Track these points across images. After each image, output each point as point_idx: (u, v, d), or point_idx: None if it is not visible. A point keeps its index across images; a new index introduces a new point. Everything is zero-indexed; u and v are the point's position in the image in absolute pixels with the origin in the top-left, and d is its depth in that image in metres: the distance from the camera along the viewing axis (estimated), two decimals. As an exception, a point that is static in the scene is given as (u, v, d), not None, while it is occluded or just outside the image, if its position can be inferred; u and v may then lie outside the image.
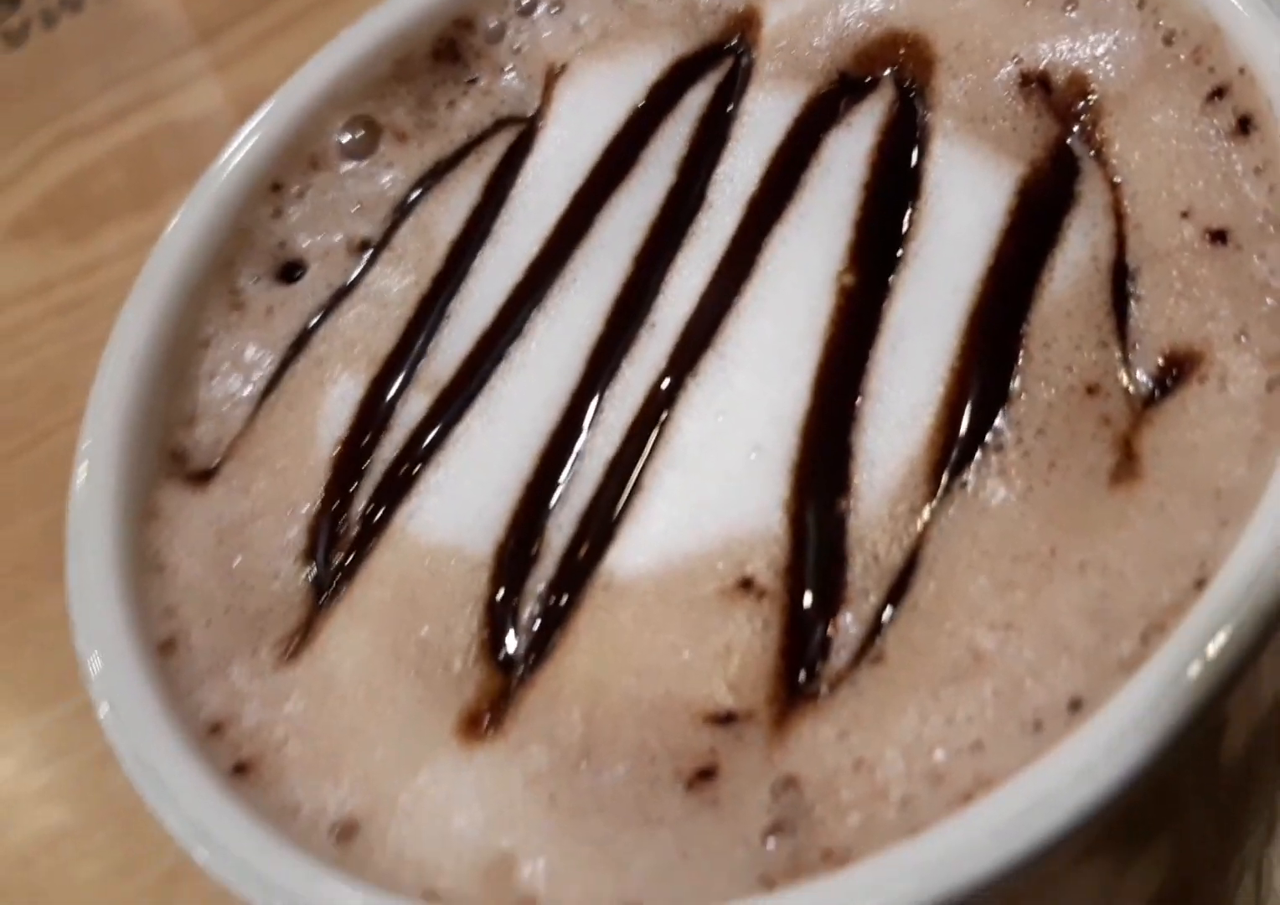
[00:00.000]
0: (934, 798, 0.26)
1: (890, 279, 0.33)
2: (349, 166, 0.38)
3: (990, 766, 0.26)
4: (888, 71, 0.36)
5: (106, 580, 0.32)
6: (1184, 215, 0.31)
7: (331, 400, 0.35)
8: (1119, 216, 0.32)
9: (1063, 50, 0.34)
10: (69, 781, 0.68)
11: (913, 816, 0.26)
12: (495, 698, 0.30)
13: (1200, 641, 0.25)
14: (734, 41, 0.38)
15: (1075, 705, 0.26)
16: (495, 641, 0.31)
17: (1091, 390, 0.30)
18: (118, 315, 0.86)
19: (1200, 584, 0.26)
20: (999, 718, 0.26)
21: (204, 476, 0.35)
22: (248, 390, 0.36)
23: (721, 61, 0.38)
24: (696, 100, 0.37)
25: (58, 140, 0.95)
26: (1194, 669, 0.25)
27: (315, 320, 0.37)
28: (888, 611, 0.28)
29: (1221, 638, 0.24)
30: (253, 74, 0.94)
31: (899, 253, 0.33)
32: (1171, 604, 0.26)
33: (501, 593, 0.31)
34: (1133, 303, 0.31)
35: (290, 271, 0.37)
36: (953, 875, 0.24)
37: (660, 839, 0.27)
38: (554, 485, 0.32)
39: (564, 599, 0.30)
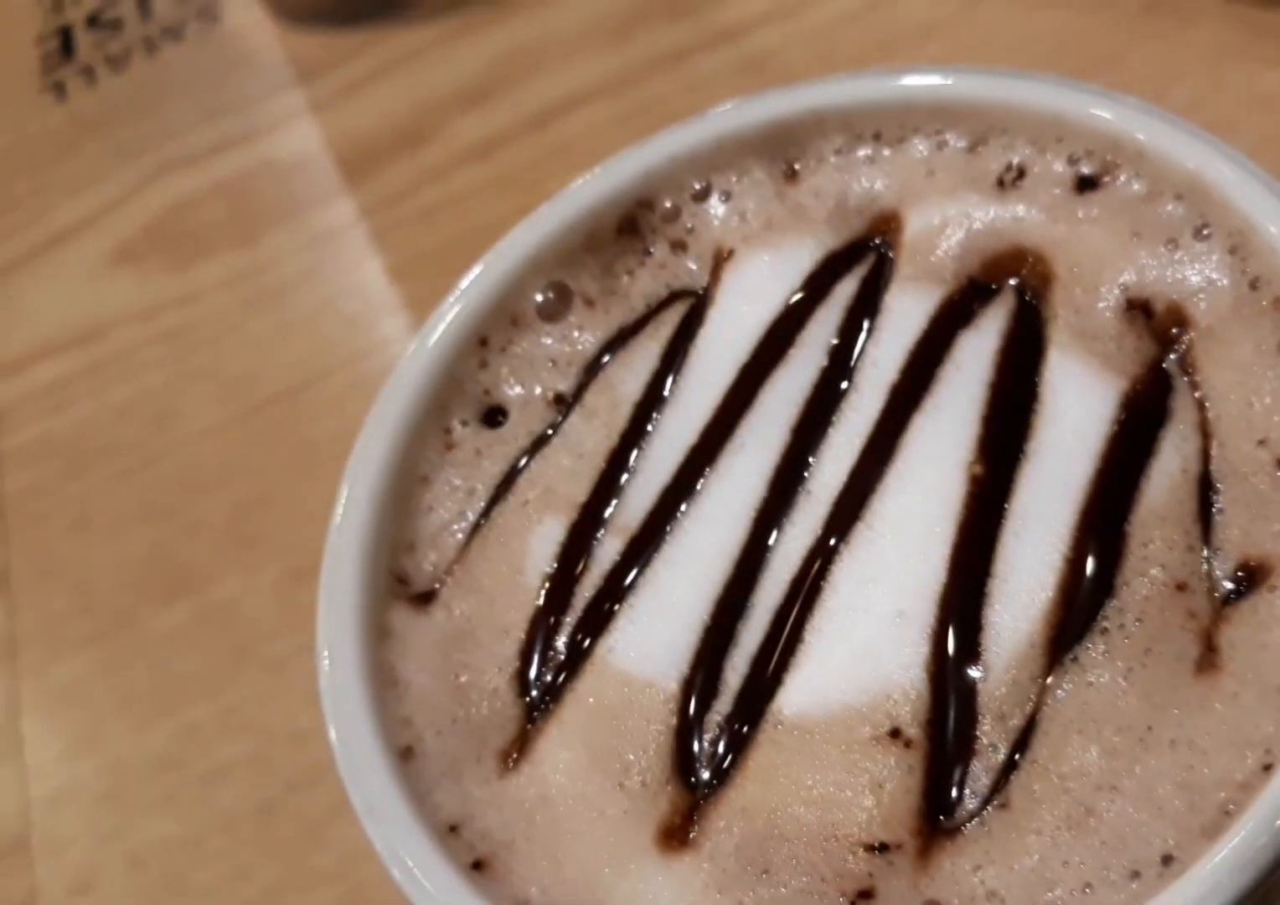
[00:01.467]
0: None
1: (1013, 471, 0.40)
2: (545, 326, 0.45)
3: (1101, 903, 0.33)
4: (1012, 282, 0.43)
5: (354, 693, 0.38)
6: (1260, 442, 0.38)
7: (537, 538, 0.42)
8: (1205, 434, 0.39)
9: (1164, 282, 0.41)
10: (179, 794, 0.74)
11: None
12: (687, 813, 0.37)
13: (1270, 818, 0.32)
14: (878, 240, 0.45)
15: (1167, 860, 0.33)
16: (684, 764, 0.37)
17: (1180, 587, 0.37)
18: (216, 346, 0.92)
19: (1268, 768, 0.33)
20: (1105, 865, 0.33)
21: (425, 598, 0.41)
22: (461, 523, 0.43)
23: (867, 257, 0.45)
24: (845, 291, 0.44)
25: (160, 169, 1.01)
26: (1263, 840, 0.32)
27: (519, 463, 0.44)
28: (1012, 764, 0.35)
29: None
30: (348, 118, 0.99)
31: (1021, 448, 0.40)
32: (1243, 782, 0.33)
33: (688, 722, 0.38)
34: (1215, 513, 0.38)
35: (494, 417, 0.44)
36: None
37: None
38: (730, 630, 0.39)
39: (741, 731, 0.37)
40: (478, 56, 0.99)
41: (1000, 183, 0.45)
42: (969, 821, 0.35)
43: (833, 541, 0.40)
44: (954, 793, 0.36)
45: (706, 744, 0.38)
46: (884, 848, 0.35)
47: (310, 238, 0.93)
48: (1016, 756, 0.36)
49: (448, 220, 0.91)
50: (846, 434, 0.42)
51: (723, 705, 0.38)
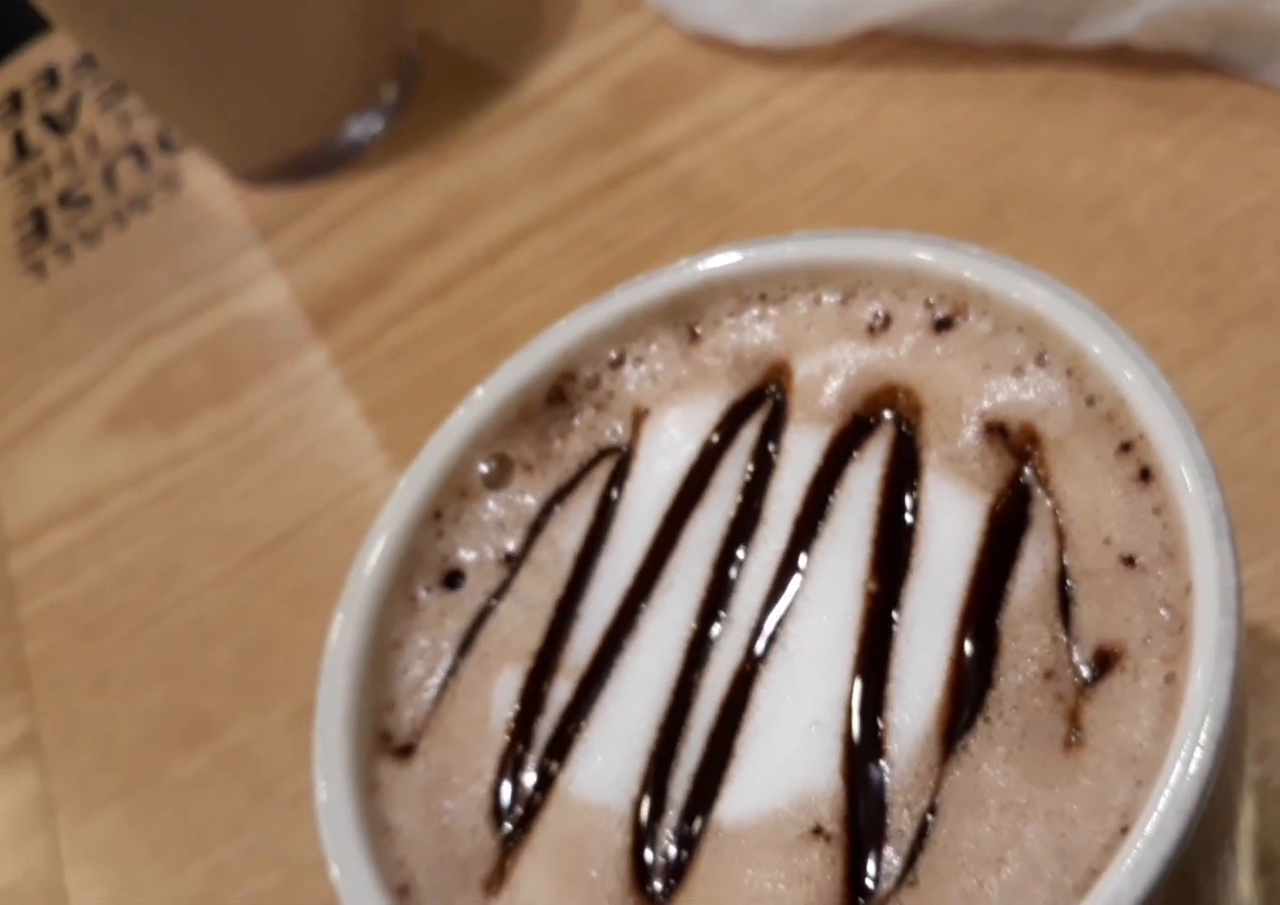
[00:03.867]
0: None
1: (901, 586, 0.46)
2: (490, 494, 0.52)
3: None
4: (889, 415, 0.50)
5: (351, 841, 0.45)
6: (1105, 541, 0.45)
7: (498, 687, 0.48)
8: (1060, 537, 0.46)
9: (1015, 405, 0.48)
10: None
11: None
12: None
13: (1127, 874, 0.38)
14: (773, 388, 0.52)
15: None
16: (640, 876, 0.44)
17: (1048, 675, 0.43)
18: (209, 502, 0.99)
19: (1124, 830, 0.39)
20: None
21: (407, 751, 0.48)
22: (432, 679, 0.49)
23: (765, 404, 0.52)
24: (749, 436, 0.51)
25: (139, 336, 1.09)
26: (1124, 891, 0.38)
27: (478, 620, 0.50)
28: (919, 847, 0.42)
29: (1140, 875, 0.38)
30: (311, 270, 1.08)
31: (907, 564, 0.46)
32: (1106, 845, 0.40)
33: (641, 839, 0.44)
34: (1072, 607, 0.44)
35: (454, 580, 0.51)
36: None
37: None
38: (671, 751, 0.46)
39: (687, 842, 0.44)
40: (424, 202, 1.07)
41: (870, 329, 0.52)
42: (885, 902, 0.41)
43: (754, 664, 0.46)
44: (870, 878, 0.42)
45: (659, 857, 0.44)
46: None
47: (287, 388, 1.01)
48: (922, 839, 0.42)
49: (414, 359, 0.99)
50: (759, 564, 0.49)
51: (670, 820, 0.45)
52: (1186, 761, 0.39)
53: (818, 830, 0.43)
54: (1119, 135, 0.94)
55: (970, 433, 0.49)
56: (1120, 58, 0.93)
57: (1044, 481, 0.47)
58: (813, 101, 1.01)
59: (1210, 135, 0.89)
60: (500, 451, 0.53)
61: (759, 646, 0.47)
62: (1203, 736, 0.40)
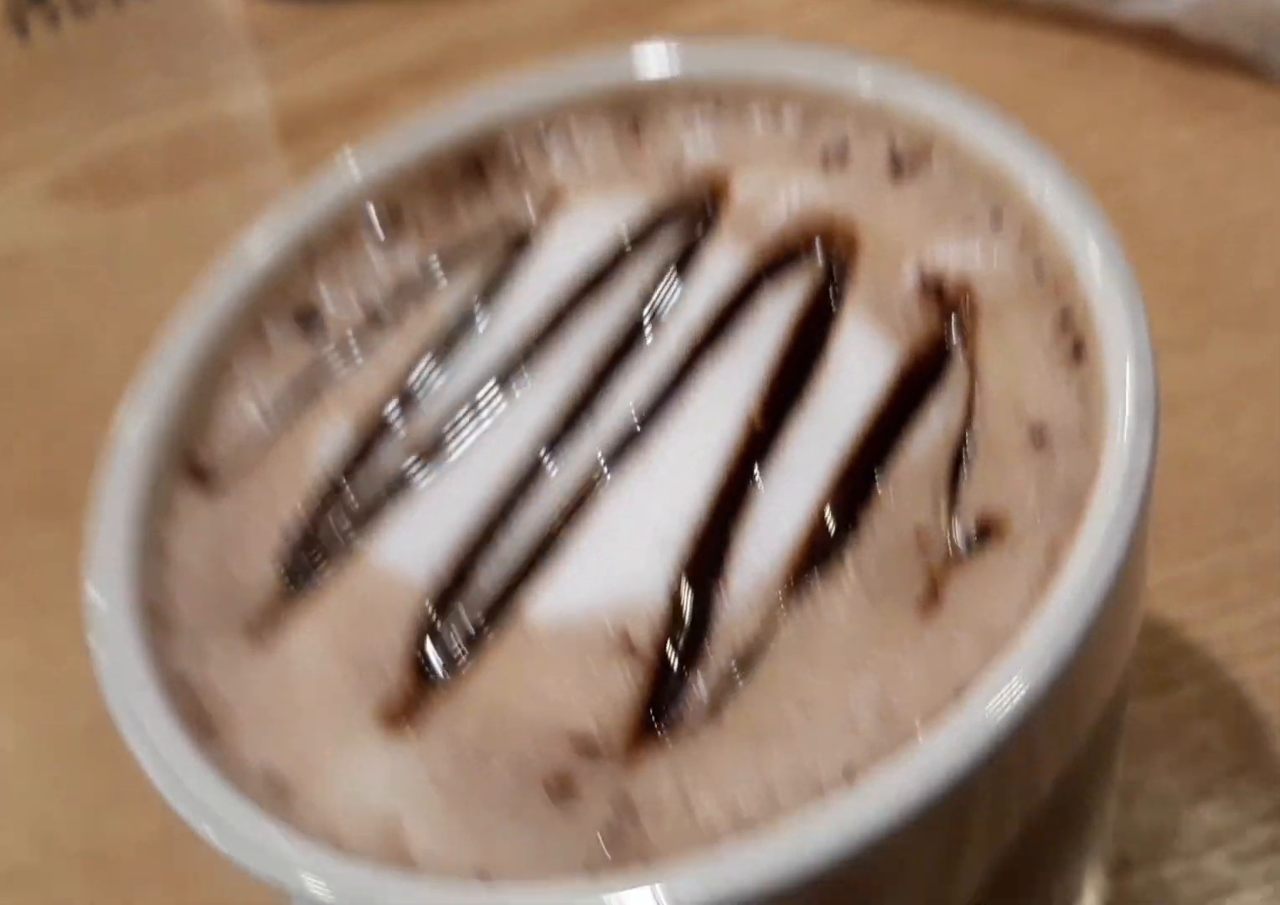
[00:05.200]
0: (733, 827, 0.34)
1: (786, 423, 0.41)
2: (374, 246, 0.46)
3: (781, 810, 0.34)
4: (821, 251, 0.44)
5: (118, 558, 0.39)
6: (1018, 417, 0.40)
7: (327, 442, 0.43)
8: (970, 406, 0.40)
9: (958, 265, 0.43)
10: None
11: (714, 840, 0.34)
12: (415, 701, 0.38)
13: (951, 744, 0.32)
14: (705, 202, 0.46)
15: (849, 773, 0.34)
16: (423, 657, 0.38)
17: (921, 538, 0.38)
18: (130, 284, 0.92)
19: (959, 693, 0.34)
20: (794, 775, 0.34)
21: (208, 483, 0.42)
22: (257, 418, 0.44)
23: (692, 216, 0.46)
24: (666, 245, 0.45)
25: (109, 115, 1.02)
26: (940, 762, 0.32)
27: (322, 368, 0.44)
28: (732, 682, 0.36)
29: (958, 751, 0.32)
30: (299, 86, 1.01)
31: (799, 403, 0.41)
32: (934, 712, 0.34)
33: (432, 619, 0.39)
34: (964, 476, 0.39)
35: (310, 322, 0.45)
36: (732, 882, 0.32)
37: (518, 828, 0.36)
38: (490, 539, 0.40)
39: (482, 631, 0.38)
40: (431, 40, 1.01)
41: (825, 160, 0.46)
42: (681, 731, 0.36)
43: (607, 469, 0.41)
44: (674, 705, 0.36)
45: (449, 641, 0.39)
46: (594, 746, 0.36)
47: (242, 194, 0.95)
48: (737, 675, 0.36)
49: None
50: (643, 375, 0.43)
51: (471, 606, 0.39)
52: (1046, 645, 0.34)
53: (629, 646, 0.38)
54: (1143, 117, 0.89)
55: (903, 284, 0.43)
56: (1161, 41, 0.88)
57: (969, 346, 0.42)
58: (842, 22, 0.95)
59: (1238, 135, 0.84)
60: (396, 203, 0.47)
61: (620, 453, 0.41)
62: (1073, 623, 0.34)
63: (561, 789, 0.36)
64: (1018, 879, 0.42)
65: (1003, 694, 0.34)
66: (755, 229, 0.46)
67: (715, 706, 0.37)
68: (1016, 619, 0.36)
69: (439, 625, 0.39)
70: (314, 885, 0.34)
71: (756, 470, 0.41)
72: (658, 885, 0.32)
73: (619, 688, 0.37)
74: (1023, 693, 0.34)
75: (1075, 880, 0.52)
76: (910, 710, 0.35)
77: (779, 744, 0.35)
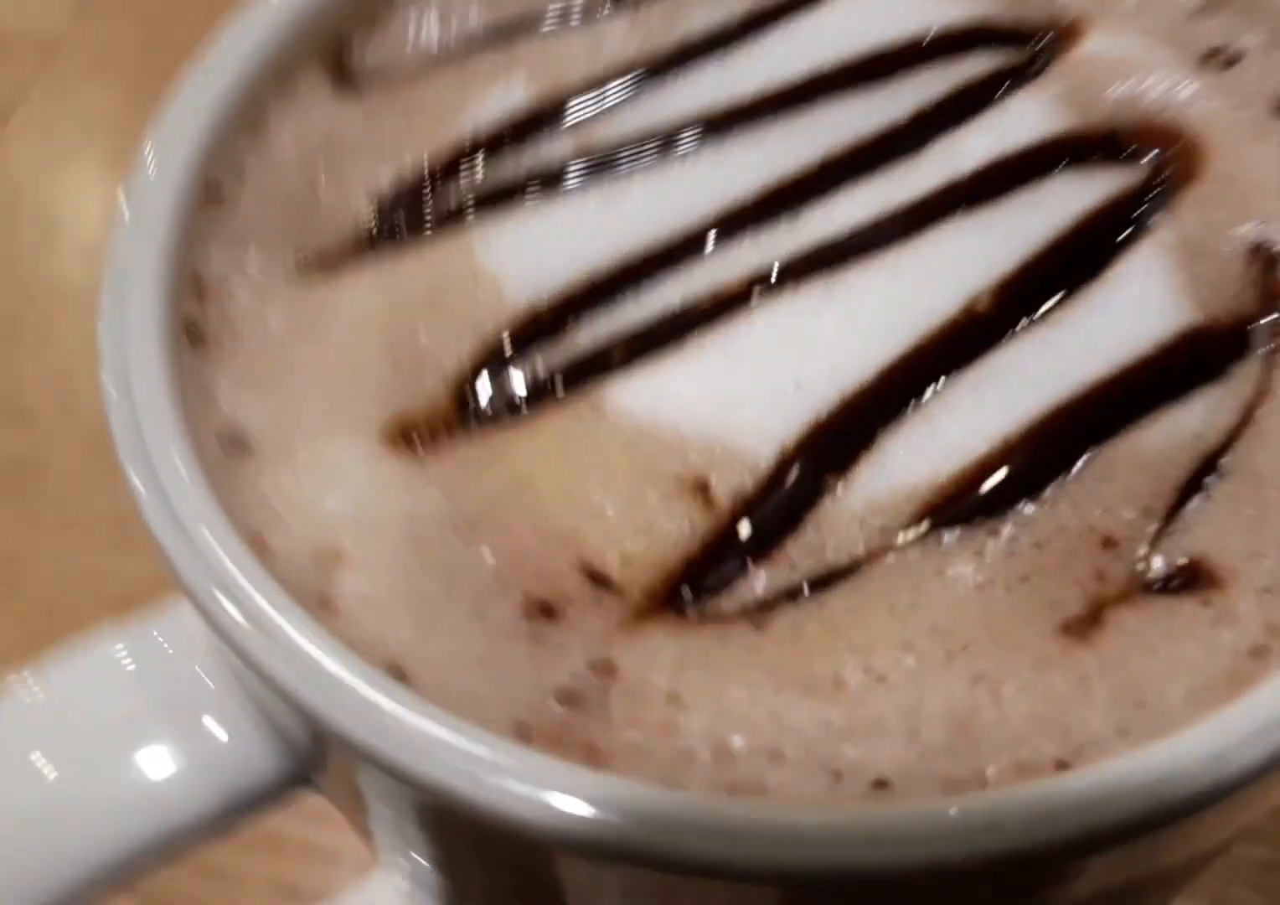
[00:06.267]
0: (706, 769, 0.24)
1: (1018, 325, 0.31)
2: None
3: (772, 783, 0.24)
4: (1152, 154, 0.34)
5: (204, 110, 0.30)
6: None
7: (496, 95, 0.32)
8: (1247, 418, 0.30)
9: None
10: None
11: (679, 773, 0.24)
12: (436, 429, 0.27)
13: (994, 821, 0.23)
14: (1044, 40, 0.35)
15: (880, 784, 0.24)
16: (471, 385, 0.29)
17: (1108, 543, 0.28)
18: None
19: (1061, 766, 0.25)
20: (808, 750, 0.24)
21: (346, 86, 0.33)
22: (434, 34, 0.34)
23: (1022, 48, 0.35)
24: (976, 66, 0.34)
25: None
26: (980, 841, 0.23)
27: (532, 20, 0.34)
28: (796, 593, 0.27)
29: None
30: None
31: (1042, 311, 0.31)
32: (1020, 764, 0.25)
33: (503, 346, 0.29)
34: (1199, 496, 0.29)
35: None
36: (644, 825, 0.23)
37: (472, 632, 0.25)
38: (615, 292, 0.31)
39: (552, 390, 0.28)
40: None
41: (1207, 55, 0.35)
42: (710, 614, 0.27)
43: (777, 278, 0.31)
44: (718, 582, 0.27)
45: (509, 381, 0.29)
46: (604, 582, 0.26)
47: None
48: (804, 588, 0.28)
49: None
50: (874, 195, 0.32)
51: (552, 355, 0.28)
52: (1209, 770, 0.25)
53: (703, 489, 0.27)
54: None
55: (1233, 238, 0.33)
56: None
57: (1276, 347, 0.32)
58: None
59: None
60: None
61: (804, 269, 0.32)
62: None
63: (542, 611, 0.26)
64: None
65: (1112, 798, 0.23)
66: (1088, 98, 0.33)
67: (764, 607, 0.26)
68: (1181, 701, 0.25)
69: (510, 358, 0.28)
70: (203, 593, 0.25)
71: (952, 366, 0.31)
72: (576, 797, 0.22)
73: (668, 530, 0.26)
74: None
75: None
76: (988, 747, 0.24)
77: (814, 700, 0.25)
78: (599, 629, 0.25)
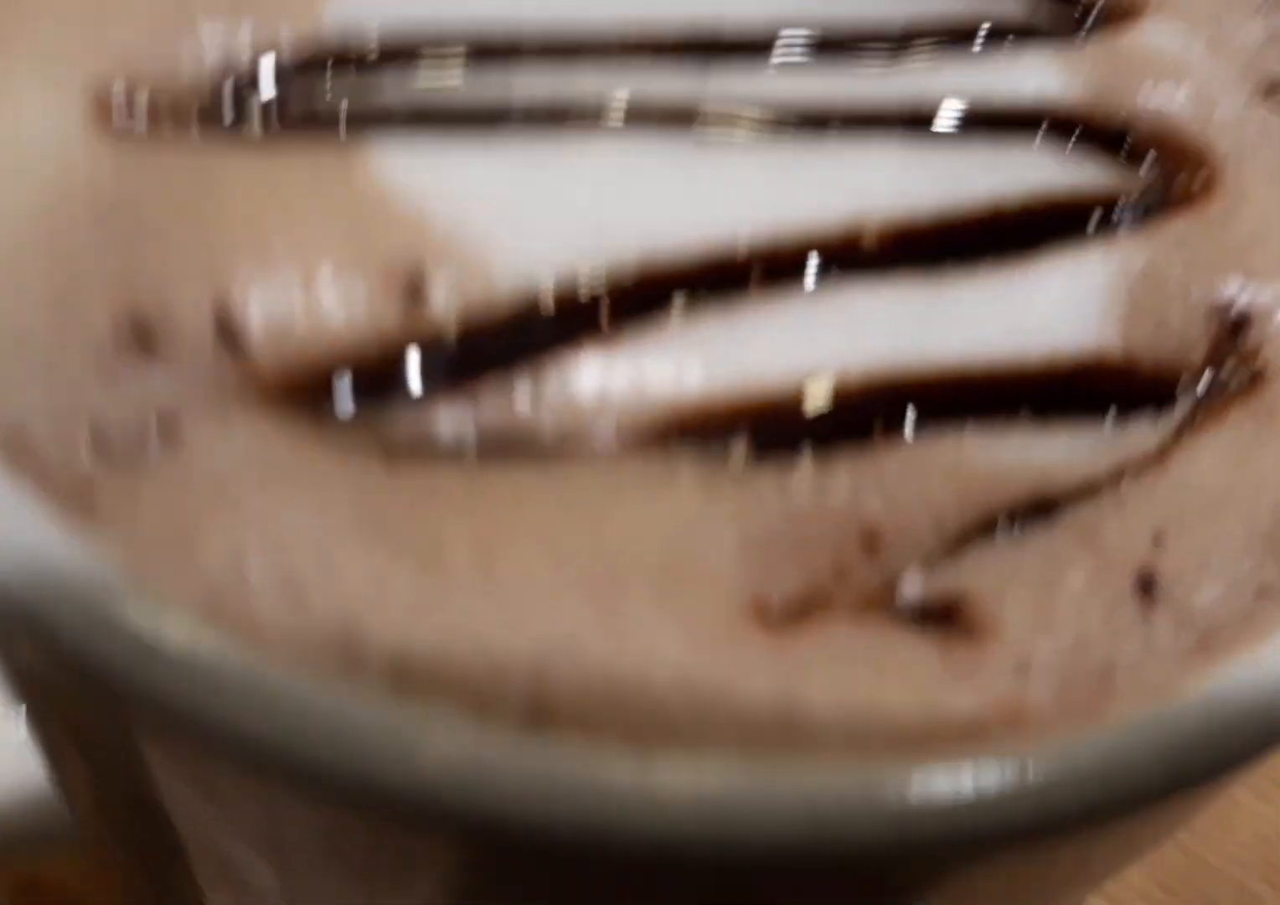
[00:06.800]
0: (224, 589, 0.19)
1: (895, 271, 0.25)
2: None
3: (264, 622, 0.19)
4: (1155, 165, 0.27)
5: None
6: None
7: None
8: (1114, 481, 0.24)
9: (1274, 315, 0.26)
10: None
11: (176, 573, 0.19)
12: (170, 108, 0.22)
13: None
14: (1093, 8, 0.29)
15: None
16: (239, 77, 0.23)
17: (869, 541, 0.22)
18: None
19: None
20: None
21: None
22: None
23: (1068, 4, 0.29)
24: (1013, 4, 0.29)
25: None
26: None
27: None
28: (464, 453, 0.21)
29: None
30: None
31: (934, 266, 0.25)
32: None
33: (296, 59, 0.23)
34: (1005, 535, 0.23)
35: None
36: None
37: (48, 322, 0.20)
38: (449, 62, 0.25)
39: (315, 123, 0.23)
40: None
41: (1270, 90, 0.29)
42: (340, 431, 0.21)
43: (658, 118, 0.25)
44: (375, 401, 0.22)
45: (284, 88, 0.23)
46: (234, 340, 0.21)
47: None
48: (475, 450, 0.21)
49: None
50: (818, 83, 0.26)
51: (340, 86, 0.24)
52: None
53: (416, 289, 0.22)
54: None
55: (1202, 289, 0.26)
56: None
57: (1193, 414, 0.25)
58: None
59: None
60: None
61: (685, 120, 0.26)
62: None
63: (137, 338, 0.20)
64: None
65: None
66: (1114, 84, 0.27)
67: (412, 452, 0.20)
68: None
69: (292, 69, 0.24)
70: None
71: (796, 281, 0.25)
72: None
73: (349, 318, 0.22)
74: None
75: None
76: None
77: (398, 558, 0.19)
78: (196, 387, 0.19)
